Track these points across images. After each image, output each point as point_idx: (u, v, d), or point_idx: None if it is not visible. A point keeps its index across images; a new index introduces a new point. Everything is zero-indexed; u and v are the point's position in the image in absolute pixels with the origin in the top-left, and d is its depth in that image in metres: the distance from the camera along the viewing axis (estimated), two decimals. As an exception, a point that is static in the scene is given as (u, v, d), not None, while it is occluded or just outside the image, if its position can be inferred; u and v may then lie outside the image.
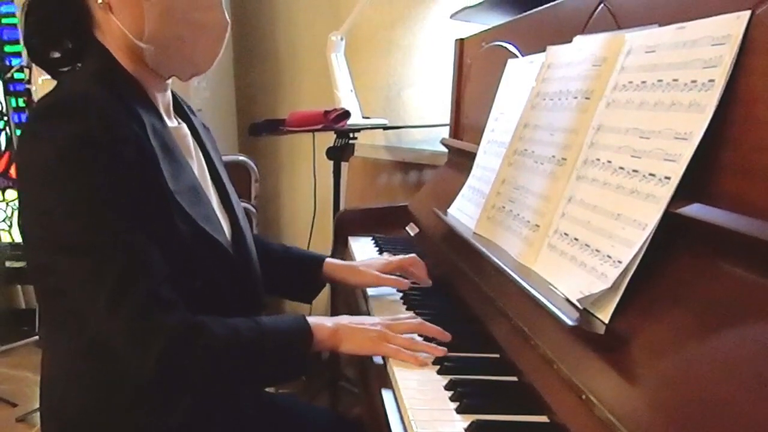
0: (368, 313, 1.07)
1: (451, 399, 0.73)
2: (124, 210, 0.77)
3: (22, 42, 0.89)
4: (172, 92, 0.97)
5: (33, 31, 0.88)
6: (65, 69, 0.92)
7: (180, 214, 0.83)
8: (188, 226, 0.83)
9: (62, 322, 0.85)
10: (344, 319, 0.90)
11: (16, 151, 0.79)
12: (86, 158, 0.75)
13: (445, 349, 0.85)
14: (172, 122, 0.95)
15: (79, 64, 0.91)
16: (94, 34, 0.87)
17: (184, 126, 0.98)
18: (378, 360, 0.87)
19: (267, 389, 1.10)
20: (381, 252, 1.42)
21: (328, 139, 2.08)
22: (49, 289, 0.84)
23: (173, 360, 0.77)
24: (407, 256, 1.16)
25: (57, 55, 0.90)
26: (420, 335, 0.89)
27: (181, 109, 1.01)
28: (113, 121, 0.78)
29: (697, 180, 0.63)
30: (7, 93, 2.98)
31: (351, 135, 2.04)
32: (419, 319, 0.91)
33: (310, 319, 0.87)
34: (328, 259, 1.16)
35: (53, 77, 0.92)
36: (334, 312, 1.19)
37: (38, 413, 2.36)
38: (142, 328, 0.76)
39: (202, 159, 1.00)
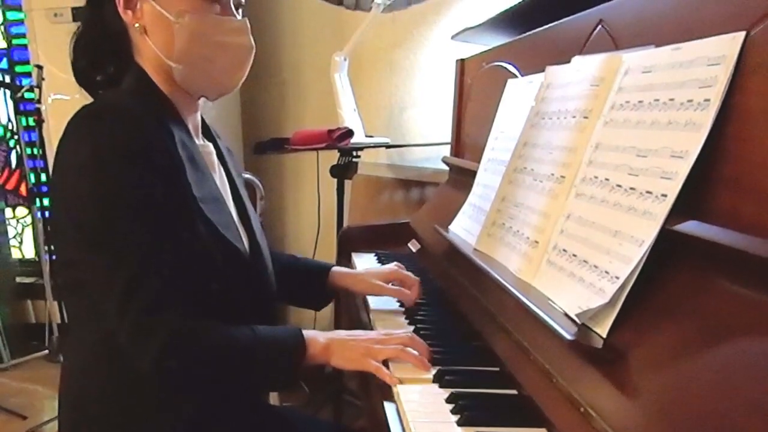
0: (370, 324, 1.08)
1: (452, 412, 0.74)
2: (145, 213, 0.81)
3: (70, 66, 0.97)
4: (201, 118, 1.03)
5: (80, 56, 0.96)
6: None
7: (202, 219, 0.87)
8: (209, 231, 0.87)
9: (82, 316, 0.89)
10: (338, 334, 0.91)
11: (56, 151, 0.85)
12: (117, 160, 0.80)
13: (430, 366, 0.85)
14: (199, 141, 1.01)
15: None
16: (134, 57, 0.94)
17: (210, 145, 1.03)
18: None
19: (272, 402, 1.10)
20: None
21: (332, 157, 2.10)
22: (72, 284, 0.88)
23: (168, 359, 0.80)
24: (413, 276, 1.16)
25: (100, 78, 0.97)
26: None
27: (209, 133, 1.07)
28: (146, 130, 0.83)
29: (694, 197, 0.63)
30: (17, 112, 3.01)
31: (354, 153, 2.07)
32: (411, 335, 0.90)
33: (306, 333, 0.89)
34: (335, 268, 1.20)
35: (92, 96, 0.98)
36: (337, 320, 1.20)
37: (48, 426, 2.38)
38: (145, 326, 0.79)
39: (224, 177, 1.04)
